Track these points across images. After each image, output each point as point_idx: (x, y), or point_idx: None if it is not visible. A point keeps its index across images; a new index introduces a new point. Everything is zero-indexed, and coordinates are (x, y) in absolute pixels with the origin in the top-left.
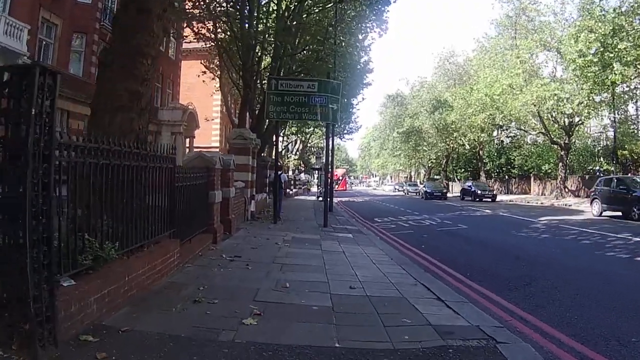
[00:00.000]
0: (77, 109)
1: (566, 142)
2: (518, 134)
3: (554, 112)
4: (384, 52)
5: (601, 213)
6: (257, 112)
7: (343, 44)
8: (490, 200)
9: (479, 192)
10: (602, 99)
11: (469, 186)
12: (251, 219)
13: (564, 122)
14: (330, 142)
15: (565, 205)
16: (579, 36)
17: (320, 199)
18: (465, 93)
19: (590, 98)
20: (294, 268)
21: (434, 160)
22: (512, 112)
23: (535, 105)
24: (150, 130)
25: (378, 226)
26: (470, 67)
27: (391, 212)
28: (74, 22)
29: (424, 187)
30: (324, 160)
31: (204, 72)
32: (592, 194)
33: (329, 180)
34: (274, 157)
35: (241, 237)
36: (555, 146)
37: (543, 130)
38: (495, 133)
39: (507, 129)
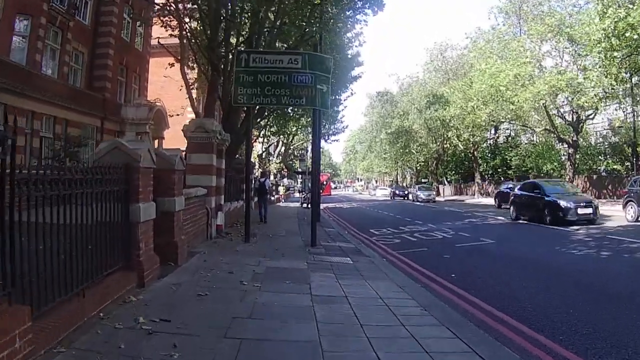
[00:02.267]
0: (18, 103)
1: (574, 139)
2: (514, 133)
3: (564, 105)
4: (372, 49)
5: (638, 218)
6: (229, 102)
7: (331, 16)
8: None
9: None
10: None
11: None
12: (217, 236)
13: (572, 117)
14: (318, 136)
15: None
16: (606, 12)
17: (305, 205)
18: (465, 86)
19: (611, 87)
20: (263, 352)
21: (422, 163)
22: (522, 104)
23: (549, 96)
24: (112, 129)
25: (378, 241)
26: (466, 60)
27: (388, 221)
28: (18, 1)
29: (417, 190)
30: (308, 164)
31: (172, 65)
32: (626, 196)
33: (316, 185)
34: (253, 160)
35: (190, 271)
36: (560, 145)
37: (549, 127)
38: (490, 132)
39: (508, 126)
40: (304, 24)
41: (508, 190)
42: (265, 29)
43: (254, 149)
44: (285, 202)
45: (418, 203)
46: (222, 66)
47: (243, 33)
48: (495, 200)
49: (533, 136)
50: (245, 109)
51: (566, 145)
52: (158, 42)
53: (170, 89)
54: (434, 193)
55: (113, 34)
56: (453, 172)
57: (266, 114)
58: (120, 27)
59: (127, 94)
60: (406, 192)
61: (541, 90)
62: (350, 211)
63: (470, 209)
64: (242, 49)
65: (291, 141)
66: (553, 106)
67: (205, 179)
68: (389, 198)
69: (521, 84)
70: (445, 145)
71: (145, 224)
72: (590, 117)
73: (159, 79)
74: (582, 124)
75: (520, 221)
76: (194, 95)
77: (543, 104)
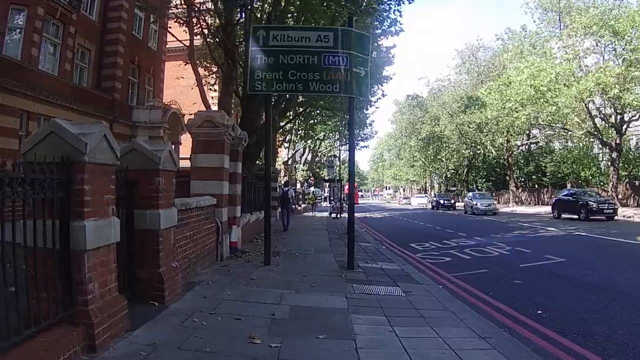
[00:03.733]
0: (8, 101)
1: (617, 142)
2: (546, 138)
3: (606, 107)
4: (399, 51)
5: None
6: (247, 97)
7: None
8: (611, 215)
9: (593, 204)
10: None
11: (574, 196)
12: (230, 256)
13: (616, 119)
14: (353, 131)
15: (625, 216)
16: None
17: (333, 215)
18: (503, 86)
19: None
20: None
21: (452, 170)
22: (565, 104)
23: (596, 93)
24: (122, 133)
25: (424, 259)
26: (500, 62)
27: (427, 234)
28: None
29: (472, 198)
30: (338, 171)
31: (187, 62)
32: None
33: (352, 191)
34: (278, 167)
35: (179, 318)
36: (600, 149)
37: (590, 130)
38: (523, 138)
39: (538, 132)
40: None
41: (570, 198)
42: (289, 11)
43: (279, 155)
44: (312, 212)
45: (469, 215)
46: (240, 61)
47: (260, 16)
48: (553, 210)
49: (568, 141)
50: (264, 101)
51: (607, 149)
52: (175, 38)
53: (190, 93)
54: (495, 202)
55: (123, 30)
56: (484, 179)
57: (291, 115)
58: (131, 24)
59: (140, 95)
60: (452, 201)
61: (587, 87)
62: (382, 222)
63: (511, 218)
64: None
65: (318, 147)
66: (594, 107)
67: (214, 186)
68: (426, 207)
69: (563, 83)
70: (478, 151)
71: (98, 253)
72: (635, 118)
73: (178, 83)
74: (626, 126)
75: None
76: (209, 93)
77: (586, 104)
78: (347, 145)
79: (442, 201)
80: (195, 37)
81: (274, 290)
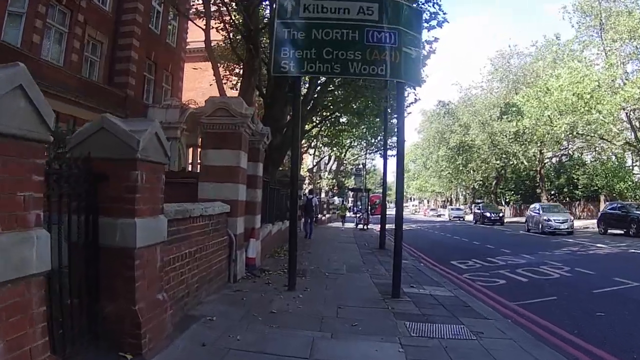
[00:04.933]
0: None
1: None
2: (579, 149)
3: None
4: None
5: None
6: (271, 92)
7: None
8: None
9: None
10: None
11: (622, 210)
12: (246, 275)
13: None
14: (402, 124)
15: None
16: None
17: (360, 226)
18: (540, 93)
19: None
20: None
21: (480, 181)
22: (610, 111)
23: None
24: None
25: (474, 280)
26: (534, 69)
27: (466, 249)
28: None
29: (539, 211)
30: (374, 179)
31: (207, 59)
32: None
33: (400, 200)
34: (302, 174)
35: None
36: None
37: (631, 141)
38: (555, 149)
39: (577, 140)
40: None
41: (618, 212)
42: None
43: (303, 161)
44: (342, 224)
45: (532, 234)
46: (263, 48)
47: None
48: (599, 225)
49: (600, 154)
50: (292, 86)
51: None
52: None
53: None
54: (572, 218)
55: (138, 22)
56: (512, 192)
57: (317, 121)
58: (148, 17)
59: (157, 94)
60: (501, 214)
61: (633, 94)
62: (413, 234)
63: (548, 236)
64: None
65: (344, 155)
66: (634, 116)
67: (227, 190)
68: (461, 220)
69: (604, 90)
70: (509, 162)
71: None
72: None
73: (200, 85)
74: None
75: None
76: (230, 93)
77: (627, 113)
78: (374, 153)
79: (488, 214)
80: (215, 28)
81: (301, 332)
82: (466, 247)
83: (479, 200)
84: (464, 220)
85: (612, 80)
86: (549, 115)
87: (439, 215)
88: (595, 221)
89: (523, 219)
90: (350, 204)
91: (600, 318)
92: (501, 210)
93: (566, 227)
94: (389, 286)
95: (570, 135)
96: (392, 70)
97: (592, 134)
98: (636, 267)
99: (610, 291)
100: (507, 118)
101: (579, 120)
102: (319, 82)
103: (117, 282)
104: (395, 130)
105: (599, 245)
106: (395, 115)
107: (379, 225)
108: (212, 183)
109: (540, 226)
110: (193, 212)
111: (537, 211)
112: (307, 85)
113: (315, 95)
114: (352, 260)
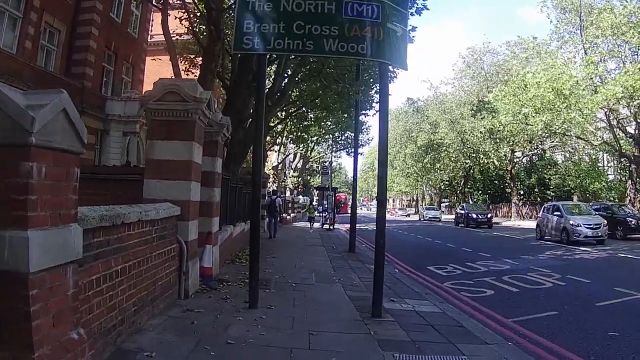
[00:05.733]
0: None
1: (636, 154)
2: (550, 149)
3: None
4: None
5: None
6: (234, 80)
7: None
8: None
9: (632, 221)
10: None
11: (608, 211)
12: (201, 288)
13: (637, 129)
14: (385, 114)
15: None
16: None
17: (326, 226)
18: (518, 90)
19: None
20: None
21: (446, 181)
22: (590, 110)
23: (622, 100)
24: (92, 127)
25: (459, 290)
26: (508, 67)
27: (442, 253)
28: None
29: (560, 214)
30: (329, 180)
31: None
32: None
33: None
34: (267, 171)
35: None
36: (613, 161)
37: (609, 140)
38: (527, 148)
39: (548, 140)
40: None
41: (603, 213)
42: None
43: (268, 159)
44: (310, 228)
45: (548, 242)
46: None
47: None
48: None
49: (574, 154)
50: (257, 66)
51: (625, 161)
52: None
53: None
54: (605, 223)
55: (98, 10)
56: (480, 191)
57: (283, 116)
58: (109, 4)
59: (116, 86)
60: (489, 215)
61: (615, 93)
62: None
63: (528, 235)
64: None
65: (310, 153)
66: (612, 116)
67: (178, 188)
68: (437, 221)
69: (582, 88)
70: (481, 161)
71: None
72: None
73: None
74: None
75: None
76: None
77: (606, 112)
78: (341, 151)
79: (474, 215)
80: (177, 18)
81: None
82: (438, 250)
83: (446, 200)
84: (440, 220)
85: (591, 78)
86: (524, 113)
87: (408, 215)
88: None
89: (495, 219)
90: (315, 203)
91: (615, 339)
92: (489, 211)
93: (600, 234)
94: (366, 300)
95: (546, 134)
96: (375, 49)
97: (568, 133)
98: (635, 275)
99: (617, 304)
100: (480, 115)
101: (555, 119)
102: (285, 74)
103: (8, 321)
104: (365, 126)
105: (583, 248)
106: (364, 112)
107: (347, 226)
108: (159, 181)
109: (566, 233)
110: (128, 217)
111: (560, 214)
112: (272, 77)
113: (282, 87)
114: (321, 266)
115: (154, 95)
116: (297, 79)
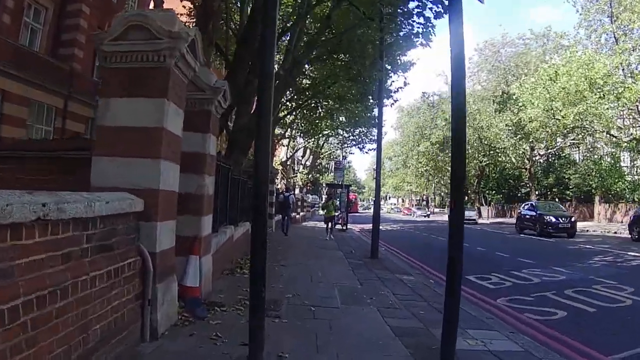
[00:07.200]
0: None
1: None
2: (569, 147)
3: None
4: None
5: None
6: (235, 55)
7: None
8: None
9: None
10: None
11: None
12: (182, 318)
13: None
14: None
15: None
16: None
17: (338, 226)
18: (548, 80)
19: None
20: None
21: None
22: (630, 99)
23: None
24: (81, 114)
25: (521, 311)
26: (528, 59)
27: (475, 258)
28: None
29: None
30: (342, 177)
31: None
32: None
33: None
34: (275, 167)
35: None
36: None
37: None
38: (547, 145)
39: (568, 137)
40: None
41: None
42: None
43: (276, 153)
44: (327, 235)
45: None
46: None
47: None
48: (631, 230)
49: (593, 153)
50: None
51: None
52: None
53: None
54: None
55: None
56: (494, 191)
57: (293, 106)
58: None
59: None
60: (573, 219)
61: None
62: (399, 236)
63: (567, 240)
64: None
65: (320, 149)
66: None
67: (141, 170)
68: (474, 223)
69: (615, 78)
70: (499, 159)
71: None
72: None
73: None
74: None
75: None
76: None
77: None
78: (352, 147)
79: (552, 218)
80: None
81: None
82: (470, 254)
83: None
84: (476, 223)
85: (623, 69)
86: (557, 106)
87: (428, 215)
88: (590, 223)
89: (508, 220)
90: (337, 201)
91: None
92: (571, 213)
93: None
94: (416, 333)
95: (572, 129)
96: None
97: (596, 128)
98: None
99: None
100: (505, 109)
101: (588, 110)
102: (295, 54)
103: None
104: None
105: (633, 254)
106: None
107: (360, 226)
108: (113, 158)
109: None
110: (18, 214)
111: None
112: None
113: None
114: (344, 278)
115: (112, 32)
116: (311, 55)
